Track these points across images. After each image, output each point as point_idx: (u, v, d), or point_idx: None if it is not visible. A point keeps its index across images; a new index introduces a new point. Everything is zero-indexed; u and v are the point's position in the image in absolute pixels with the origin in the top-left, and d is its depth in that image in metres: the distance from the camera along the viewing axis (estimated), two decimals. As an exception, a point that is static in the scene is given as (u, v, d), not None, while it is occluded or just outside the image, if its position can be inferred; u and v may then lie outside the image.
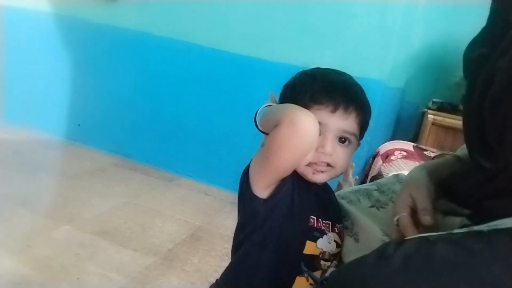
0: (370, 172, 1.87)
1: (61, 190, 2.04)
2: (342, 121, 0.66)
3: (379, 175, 1.72)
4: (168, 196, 2.15)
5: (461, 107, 2.16)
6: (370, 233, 0.71)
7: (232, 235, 0.74)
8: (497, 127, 0.52)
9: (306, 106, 0.65)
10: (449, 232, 0.50)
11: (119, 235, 1.64)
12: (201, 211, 2.02)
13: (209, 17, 2.28)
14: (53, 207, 1.83)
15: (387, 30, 2.02)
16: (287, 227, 0.67)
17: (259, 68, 2.22)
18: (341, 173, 0.74)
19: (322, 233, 0.70)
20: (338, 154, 0.67)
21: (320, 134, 0.66)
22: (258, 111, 0.68)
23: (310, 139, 0.60)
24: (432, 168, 0.72)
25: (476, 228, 0.50)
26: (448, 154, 0.78)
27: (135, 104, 2.54)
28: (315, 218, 0.69)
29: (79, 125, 2.69)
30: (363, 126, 0.70)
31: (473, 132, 0.61)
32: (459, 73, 2.24)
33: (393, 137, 2.27)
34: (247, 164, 0.70)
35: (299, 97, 0.67)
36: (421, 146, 1.91)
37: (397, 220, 0.65)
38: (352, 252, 0.72)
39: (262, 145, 0.67)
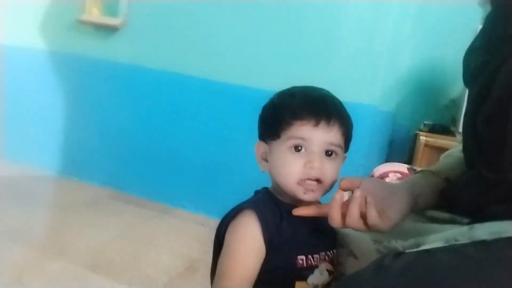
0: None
1: (54, 223, 2.01)
2: (326, 134, 0.66)
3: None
4: (163, 227, 2.12)
5: (452, 128, 2.18)
6: (363, 246, 0.70)
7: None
8: (493, 141, 0.52)
9: (288, 123, 0.66)
10: (451, 244, 0.49)
11: (113, 269, 1.61)
12: (197, 243, 1.98)
13: (200, 48, 2.32)
14: (46, 240, 1.80)
15: (375, 55, 2.06)
16: (274, 274, 0.66)
17: (251, 96, 2.23)
18: (331, 188, 0.73)
19: (312, 268, 0.68)
20: (326, 168, 0.67)
21: (305, 150, 0.67)
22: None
23: None
24: (416, 191, 0.71)
25: (478, 235, 0.49)
26: (428, 170, 0.77)
27: (129, 137, 2.54)
28: (303, 257, 0.68)
29: (73, 159, 2.68)
30: (347, 137, 0.71)
31: (472, 143, 0.61)
32: (449, 95, 2.27)
33: (387, 160, 2.28)
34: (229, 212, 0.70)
35: (280, 115, 0.68)
36: (415, 167, 1.91)
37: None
38: (356, 270, 0.71)
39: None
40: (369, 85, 2.10)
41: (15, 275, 1.46)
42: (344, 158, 0.73)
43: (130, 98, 2.53)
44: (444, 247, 0.48)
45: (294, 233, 0.68)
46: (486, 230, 0.47)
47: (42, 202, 2.29)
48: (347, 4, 2.05)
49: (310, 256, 0.68)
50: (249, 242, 0.64)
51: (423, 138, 2.10)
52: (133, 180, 2.53)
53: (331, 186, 0.70)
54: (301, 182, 0.67)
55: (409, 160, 2.26)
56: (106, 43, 2.52)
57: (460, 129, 1.94)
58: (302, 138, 0.66)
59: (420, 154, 2.08)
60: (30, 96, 2.75)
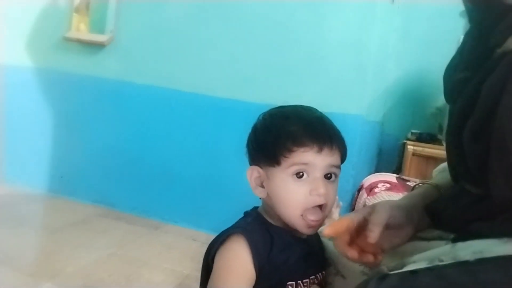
0: (356, 205, 1.87)
1: (43, 244, 1.97)
2: (329, 158, 0.66)
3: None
4: (154, 244, 2.10)
5: (439, 136, 2.21)
6: (349, 266, 0.70)
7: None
8: (478, 156, 0.53)
9: (290, 150, 0.64)
10: (435, 264, 0.49)
11: (104, 289, 1.59)
12: (189, 258, 1.97)
13: (189, 63, 2.34)
14: (35, 263, 1.76)
15: (362, 67, 2.10)
16: None
17: (240, 109, 2.25)
18: (329, 212, 0.72)
19: None
20: (329, 192, 0.66)
21: (308, 176, 0.65)
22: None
23: None
24: (411, 197, 0.72)
25: (461, 255, 0.49)
26: (427, 183, 0.79)
27: (118, 153, 2.53)
28: (293, 283, 0.67)
29: (61, 177, 2.65)
30: (344, 157, 0.70)
31: (456, 159, 0.61)
32: (435, 103, 2.31)
33: (377, 170, 2.30)
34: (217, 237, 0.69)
35: (279, 141, 0.66)
36: (404, 177, 1.93)
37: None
38: None
39: None
40: (356, 96, 2.13)
41: (4, 299, 1.43)
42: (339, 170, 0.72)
43: (119, 114, 2.52)
44: (428, 268, 0.48)
45: (284, 259, 0.66)
46: (469, 250, 0.48)
47: (31, 223, 2.25)
48: (334, 18, 2.09)
49: (300, 282, 0.68)
50: (239, 269, 0.63)
51: (410, 147, 2.13)
52: (123, 197, 2.51)
53: (331, 210, 0.69)
54: (304, 214, 0.65)
55: (397, 169, 2.29)
56: (93, 60, 2.52)
57: (447, 138, 1.97)
58: (305, 164, 0.65)
59: (409, 163, 2.11)
60: (16, 114, 2.72)
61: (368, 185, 1.88)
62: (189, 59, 2.33)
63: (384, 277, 0.50)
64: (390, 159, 2.43)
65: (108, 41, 2.43)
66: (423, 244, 0.64)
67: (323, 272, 0.74)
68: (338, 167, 0.68)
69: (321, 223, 0.68)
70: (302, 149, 0.64)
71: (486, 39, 0.57)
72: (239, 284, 0.62)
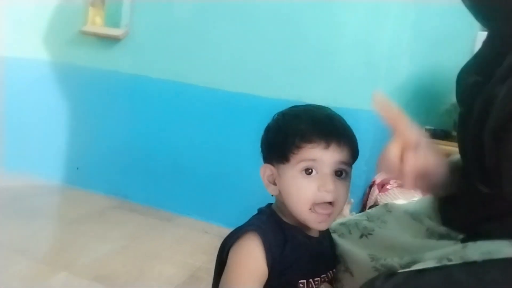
0: (368, 202, 1.87)
1: (59, 235, 2.02)
2: (337, 154, 0.67)
3: (376, 205, 1.72)
4: (167, 236, 2.13)
5: (453, 133, 2.18)
6: (361, 263, 0.71)
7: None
8: (495, 156, 0.53)
9: (298, 147, 0.66)
10: (443, 264, 0.50)
11: (117, 280, 1.62)
12: (200, 251, 1.99)
13: (201, 57, 2.35)
14: (50, 253, 1.81)
15: (374, 63, 2.08)
16: None
17: (252, 104, 2.26)
18: (341, 209, 0.73)
19: None
20: (339, 190, 0.67)
21: (317, 172, 0.67)
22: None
23: None
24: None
25: (470, 255, 0.50)
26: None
27: (132, 146, 2.56)
28: (304, 282, 0.68)
29: (77, 168, 2.70)
30: (355, 155, 0.71)
31: (470, 158, 0.62)
32: (449, 99, 2.28)
33: (389, 166, 2.29)
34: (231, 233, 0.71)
35: (289, 139, 0.67)
36: (417, 174, 1.92)
37: None
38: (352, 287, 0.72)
39: None
40: (369, 92, 2.10)
41: (21, 288, 1.47)
42: (351, 174, 0.72)
43: (133, 107, 2.55)
44: (436, 267, 0.49)
45: (297, 258, 0.68)
46: (477, 250, 0.48)
47: (46, 214, 2.30)
48: (346, 14, 2.07)
49: (311, 280, 0.69)
50: (252, 266, 0.64)
51: (424, 144, 2.11)
52: (137, 189, 2.55)
53: (342, 207, 0.70)
54: (313, 207, 0.66)
55: (410, 166, 2.28)
56: (108, 54, 2.55)
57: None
58: (313, 160, 0.66)
59: (422, 160, 2.09)
60: (33, 106, 2.78)
61: (380, 182, 1.87)
62: (202, 54, 2.34)
63: (391, 275, 0.51)
64: (402, 155, 2.41)
65: (123, 35, 2.45)
66: (432, 242, 0.64)
67: (334, 270, 0.75)
68: (348, 164, 0.69)
69: (331, 218, 0.69)
70: (309, 145, 0.66)
71: (502, 43, 0.57)
72: (252, 280, 0.63)
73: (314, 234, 0.73)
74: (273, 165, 0.71)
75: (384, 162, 0.61)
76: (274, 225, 0.69)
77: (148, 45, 2.47)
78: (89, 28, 2.53)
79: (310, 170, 0.66)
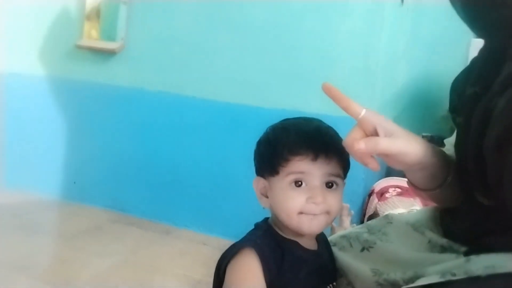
0: (367, 210, 1.87)
1: (58, 252, 2.01)
2: (326, 166, 0.67)
3: (375, 214, 1.71)
4: (166, 250, 2.12)
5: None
6: (363, 278, 0.70)
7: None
8: (498, 168, 0.53)
9: (286, 159, 0.66)
10: (447, 279, 0.50)
11: (118, 296, 1.61)
12: (200, 263, 1.98)
13: (198, 69, 2.35)
14: (50, 270, 1.79)
15: (371, 71, 2.09)
16: None
17: (250, 114, 2.26)
18: (335, 217, 0.73)
19: None
20: (330, 200, 0.67)
21: (306, 185, 0.67)
22: None
23: None
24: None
25: (474, 270, 0.49)
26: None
27: (129, 158, 2.55)
28: None
29: (74, 182, 2.69)
30: (345, 166, 0.71)
31: (471, 171, 0.61)
32: (446, 106, 2.29)
33: (387, 173, 2.29)
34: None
35: (277, 151, 0.68)
36: (415, 181, 1.92)
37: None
38: None
39: None
40: (366, 101, 2.12)
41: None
42: (344, 184, 0.73)
43: (130, 120, 2.55)
44: (440, 283, 0.49)
45: (295, 273, 0.67)
46: (481, 264, 0.48)
47: (44, 230, 2.29)
48: (342, 22, 2.08)
49: None
50: (250, 283, 0.64)
51: (422, 151, 2.11)
52: (135, 202, 2.54)
53: (336, 216, 0.70)
54: (302, 212, 0.66)
55: (408, 173, 2.28)
56: (105, 67, 2.55)
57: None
58: (302, 172, 0.66)
59: (420, 167, 2.10)
60: (29, 121, 2.77)
61: (379, 190, 1.87)
62: (198, 66, 2.35)
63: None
64: (401, 162, 2.41)
65: (119, 48, 2.46)
66: (435, 256, 0.64)
67: (334, 283, 0.74)
68: (338, 175, 0.69)
69: (325, 223, 0.69)
70: (297, 158, 0.66)
71: (499, 53, 0.58)
72: None
73: (312, 247, 0.73)
74: (265, 178, 0.71)
75: (344, 142, 0.63)
76: (270, 240, 0.69)
77: (144, 58, 2.47)
78: (84, 42, 2.53)
79: (300, 182, 0.67)
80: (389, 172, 2.37)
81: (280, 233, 0.71)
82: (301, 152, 0.66)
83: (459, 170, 0.69)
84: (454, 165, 0.69)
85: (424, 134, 2.26)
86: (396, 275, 0.63)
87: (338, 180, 0.69)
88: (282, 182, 0.68)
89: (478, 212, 0.60)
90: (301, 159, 0.66)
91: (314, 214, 0.67)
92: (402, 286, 0.58)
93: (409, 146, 0.63)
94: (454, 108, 0.72)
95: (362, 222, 1.65)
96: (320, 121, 0.74)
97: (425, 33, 2.24)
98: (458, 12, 0.63)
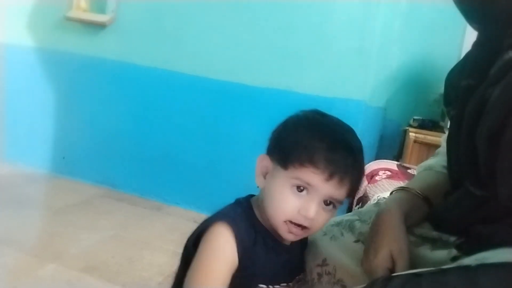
0: (356, 193, 1.88)
1: (46, 225, 2.00)
2: (334, 190, 0.64)
3: (364, 197, 1.72)
4: (156, 226, 2.13)
5: (441, 123, 2.20)
6: (356, 277, 0.69)
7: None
8: (490, 158, 0.53)
9: (301, 164, 0.63)
10: (438, 268, 0.50)
11: (107, 270, 1.61)
12: (190, 240, 2.00)
13: (191, 45, 2.31)
14: (38, 244, 1.79)
15: (365, 52, 2.08)
16: None
17: (242, 93, 2.24)
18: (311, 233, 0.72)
19: None
20: (319, 219, 0.65)
21: (307, 194, 0.64)
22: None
23: None
24: (407, 212, 0.71)
25: (465, 262, 0.50)
26: (408, 189, 0.75)
27: (120, 134, 2.53)
28: (264, 286, 0.68)
29: (63, 157, 2.66)
30: (351, 194, 0.68)
31: (463, 162, 0.62)
32: (437, 90, 2.30)
33: (377, 156, 2.30)
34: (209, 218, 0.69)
35: (298, 150, 0.64)
36: (405, 164, 1.93)
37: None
38: None
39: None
40: (360, 82, 2.12)
41: (8, 280, 1.46)
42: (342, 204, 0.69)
43: (120, 95, 2.51)
44: (431, 272, 0.49)
45: (262, 261, 0.67)
46: (472, 258, 0.49)
47: (34, 203, 2.27)
48: (338, 2, 2.05)
49: (270, 286, 0.68)
50: (222, 255, 0.63)
51: (412, 134, 2.12)
52: (125, 178, 2.53)
53: (316, 232, 0.69)
54: (288, 222, 0.65)
55: (398, 156, 2.29)
56: (94, 40, 2.49)
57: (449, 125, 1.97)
58: (308, 184, 0.63)
59: (410, 150, 2.11)
60: (17, 93, 2.72)
61: (369, 172, 1.88)
62: (191, 41, 2.30)
63: (389, 279, 0.51)
64: (390, 145, 2.43)
65: (109, 21, 2.40)
66: (427, 253, 0.64)
67: (298, 276, 0.74)
68: (339, 202, 0.66)
69: (301, 236, 0.68)
70: (312, 169, 0.62)
71: (493, 45, 0.57)
72: (222, 269, 0.62)
73: (285, 242, 0.71)
74: (272, 161, 0.68)
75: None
76: (246, 222, 0.68)
77: (135, 32, 2.42)
78: (74, 13, 2.46)
79: (302, 188, 0.64)
80: (379, 154, 2.38)
81: (259, 217, 0.70)
82: (318, 166, 0.62)
83: (451, 162, 0.70)
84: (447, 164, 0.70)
85: (415, 117, 2.27)
86: None
87: (337, 204, 0.67)
88: (285, 178, 0.65)
89: (470, 201, 0.60)
90: (315, 172, 0.62)
91: (299, 226, 0.65)
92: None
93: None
94: (449, 102, 0.71)
95: (350, 204, 1.66)
96: (354, 134, 0.69)
97: (420, 16, 2.22)
98: (455, 3, 0.62)
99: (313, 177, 0.62)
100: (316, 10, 2.09)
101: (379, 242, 0.66)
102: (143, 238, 1.95)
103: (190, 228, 2.02)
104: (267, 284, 0.68)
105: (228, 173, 2.33)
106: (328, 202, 0.66)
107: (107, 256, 1.72)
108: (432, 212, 0.70)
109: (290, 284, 0.72)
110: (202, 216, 2.28)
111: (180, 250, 1.94)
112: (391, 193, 0.78)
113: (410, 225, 0.69)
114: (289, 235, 0.67)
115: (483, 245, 0.50)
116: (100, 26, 2.43)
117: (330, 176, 0.62)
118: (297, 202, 0.64)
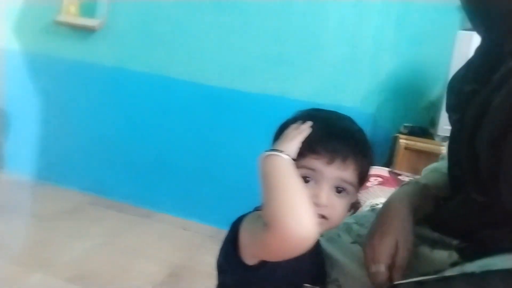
0: (368, 176, 1.87)
1: (34, 233, 1.96)
2: (340, 172, 0.63)
3: (356, 203, 1.73)
4: (146, 234, 2.09)
5: (431, 130, 2.22)
6: (352, 277, 0.68)
7: (213, 270, 0.71)
8: (493, 164, 0.52)
9: (302, 154, 0.63)
10: (441, 275, 0.49)
11: (96, 279, 1.58)
12: (180, 248, 1.97)
13: (183, 51, 2.30)
14: (25, 252, 1.75)
15: (357, 59, 2.10)
16: None
17: (236, 99, 2.23)
18: (338, 225, 0.70)
19: None
20: (334, 206, 0.64)
21: (315, 183, 0.63)
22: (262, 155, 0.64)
23: (304, 249, 0.55)
24: (415, 205, 0.71)
25: (468, 269, 0.49)
26: (418, 183, 0.77)
27: (110, 140, 2.50)
28: (309, 286, 0.66)
29: (51, 163, 2.61)
30: (363, 176, 0.67)
31: (465, 167, 0.61)
32: (428, 97, 2.32)
33: (369, 163, 2.31)
34: (240, 216, 0.66)
35: None
36: (396, 171, 1.93)
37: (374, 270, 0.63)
38: None
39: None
40: (351, 88, 2.14)
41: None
42: (356, 194, 0.68)
43: (110, 100, 2.48)
44: (436, 279, 0.48)
45: (301, 258, 0.64)
46: (475, 264, 0.48)
47: (20, 211, 2.22)
48: (331, 9, 2.07)
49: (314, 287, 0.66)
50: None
51: (403, 141, 2.13)
52: (114, 185, 2.49)
53: (338, 224, 0.67)
54: None
55: (388, 163, 2.30)
56: (84, 45, 2.46)
57: (439, 132, 1.98)
58: (313, 170, 0.63)
59: (400, 156, 2.12)
60: (4, 98, 2.67)
61: (361, 179, 1.88)
62: (184, 47, 2.29)
63: (393, 287, 0.50)
64: (381, 152, 2.44)
65: (99, 25, 2.37)
66: (427, 252, 0.64)
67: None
68: (351, 184, 0.65)
69: (323, 228, 0.66)
70: (313, 156, 0.63)
71: (497, 50, 0.57)
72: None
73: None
74: None
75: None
76: None
77: (126, 37, 2.39)
78: (63, 17, 2.43)
79: (308, 179, 0.64)
80: (370, 161, 2.39)
81: None
82: (318, 151, 0.63)
83: (452, 167, 0.70)
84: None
85: (405, 124, 2.29)
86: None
87: (349, 187, 0.65)
88: None
89: (472, 206, 0.60)
90: (317, 158, 0.63)
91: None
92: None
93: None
94: (451, 107, 0.71)
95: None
96: (352, 120, 0.70)
97: (411, 24, 2.24)
98: (462, 5, 0.62)
99: (316, 163, 0.63)
100: (309, 18, 2.10)
101: (386, 229, 0.66)
102: (132, 246, 1.92)
103: (180, 235, 2.00)
104: (312, 284, 0.66)
105: (220, 180, 2.31)
106: (340, 189, 0.64)
107: (96, 264, 1.69)
108: (432, 216, 0.70)
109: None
110: (192, 224, 2.27)
111: (169, 257, 1.91)
112: (401, 186, 0.79)
113: (418, 219, 0.70)
114: None
115: (486, 250, 0.49)
116: (90, 30, 2.40)
117: (331, 159, 0.62)
118: (307, 191, 0.62)
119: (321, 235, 0.78)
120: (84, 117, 2.53)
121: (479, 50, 0.66)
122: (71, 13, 2.44)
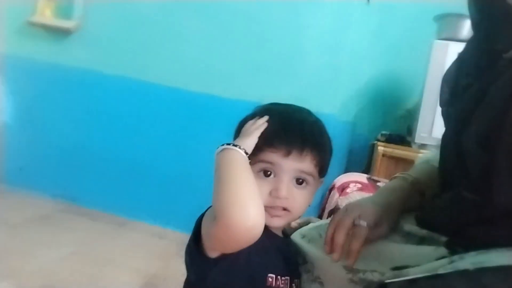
0: (327, 206, 1.87)
1: (2, 241, 1.86)
2: (298, 163, 0.65)
3: (336, 209, 1.72)
4: (119, 242, 2.03)
5: (408, 138, 2.25)
6: (333, 273, 0.68)
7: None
8: (484, 163, 0.52)
9: (259, 148, 0.64)
10: (433, 273, 0.48)
11: (66, 290, 1.51)
12: (155, 257, 1.92)
13: (162, 55, 2.27)
14: (-9, 261, 1.66)
15: (336, 67, 2.12)
16: None
17: (214, 105, 2.21)
18: (300, 216, 0.71)
19: None
20: (295, 197, 0.65)
21: (274, 176, 0.65)
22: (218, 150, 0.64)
23: (250, 240, 0.56)
24: (401, 199, 0.71)
25: (461, 266, 0.48)
26: (407, 178, 0.77)
27: (83, 145, 2.43)
28: (273, 276, 0.65)
29: (20, 169, 2.52)
30: (322, 166, 0.69)
31: (455, 166, 0.60)
32: (405, 105, 2.35)
33: (346, 170, 2.31)
34: (203, 212, 0.65)
35: None
36: (374, 177, 1.95)
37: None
38: None
39: None
40: (330, 95, 2.15)
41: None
42: (321, 182, 0.71)
43: (84, 104, 2.42)
44: (428, 277, 0.47)
45: (265, 249, 0.65)
46: (468, 261, 0.47)
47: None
48: (310, 17, 2.09)
49: (279, 277, 0.66)
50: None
51: (381, 148, 2.15)
52: (86, 192, 2.42)
53: (300, 215, 0.68)
54: (266, 208, 0.63)
55: (366, 170, 2.31)
56: (59, 47, 2.41)
57: (416, 140, 2.01)
58: (271, 163, 0.65)
59: (378, 164, 2.14)
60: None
61: (340, 185, 1.88)
62: (161, 51, 2.26)
63: (383, 286, 0.49)
64: (359, 159, 2.45)
65: (74, 27, 2.33)
66: (412, 249, 0.62)
67: (297, 280, 0.72)
68: (310, 174, 0.67)
69: (286, 220, 0.68)
70: (270, 149, 0.64)
71: (491, 45, 0.57)
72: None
73: (278, 232, 0.72)
74: None
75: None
76: None
77: (103, 39, 2.35)
78: (38, 18, 2.38)
79: (269, 172, 0.65)
80: (348, 168, 2.40)
81: None
82: (274, 145, 0.64)
83: (443, 163, 0.69)
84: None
85: (383, 132, 2.31)
86: (373, 275, 0.61)
87: (309, 178, 0.67)
88: (251, 167, 0.64)
89: (462, 203, 0.59)
90: (274, 151, 0.64)
91: (274, 208, 0.65)
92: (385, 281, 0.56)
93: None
94: (445, 101, 0.71)
95: (320, 217, 1.65)
96: (309, 112, 0.72)
97: (389, 33, 2.28)
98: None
99: (273, 156, 0.64)
100: (289, 26, 2.12)
101: (360, 202, 0.68)
102: (105, 255, 1.85)
103: (155, 244, 1.94)
104: (276, 274, 0.66)
105: (195, 188, 2.26)
106: (301, 181, 0.66)
107: (66, 274, 1.62)
108: (421, 212, 0.69)
109: (296, 281, 0.70)
110: (168, 232, 2.21)
111: (144, 267, 1.85)
112: (390, 180, 0.80)
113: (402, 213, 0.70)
114: (274, 220, 0.66)
115: (478, 246, 0.48)
116: (65, 32, 2.35)
117: (288, 151, 0.64)
118: (267, 185, 0.65)
119: (303, 236, 0.78)
120: (57, 121, 2.46)
121: (471, 44, 0.66)
122: (45, 14, 2.39)
